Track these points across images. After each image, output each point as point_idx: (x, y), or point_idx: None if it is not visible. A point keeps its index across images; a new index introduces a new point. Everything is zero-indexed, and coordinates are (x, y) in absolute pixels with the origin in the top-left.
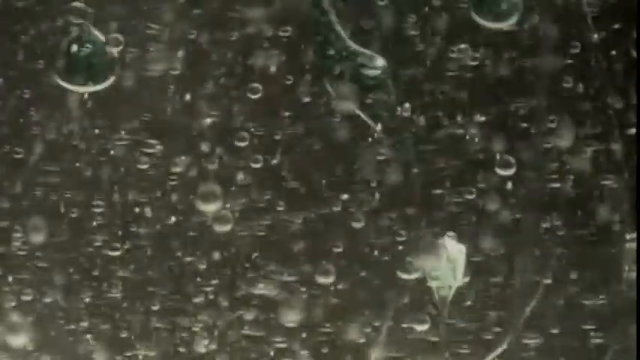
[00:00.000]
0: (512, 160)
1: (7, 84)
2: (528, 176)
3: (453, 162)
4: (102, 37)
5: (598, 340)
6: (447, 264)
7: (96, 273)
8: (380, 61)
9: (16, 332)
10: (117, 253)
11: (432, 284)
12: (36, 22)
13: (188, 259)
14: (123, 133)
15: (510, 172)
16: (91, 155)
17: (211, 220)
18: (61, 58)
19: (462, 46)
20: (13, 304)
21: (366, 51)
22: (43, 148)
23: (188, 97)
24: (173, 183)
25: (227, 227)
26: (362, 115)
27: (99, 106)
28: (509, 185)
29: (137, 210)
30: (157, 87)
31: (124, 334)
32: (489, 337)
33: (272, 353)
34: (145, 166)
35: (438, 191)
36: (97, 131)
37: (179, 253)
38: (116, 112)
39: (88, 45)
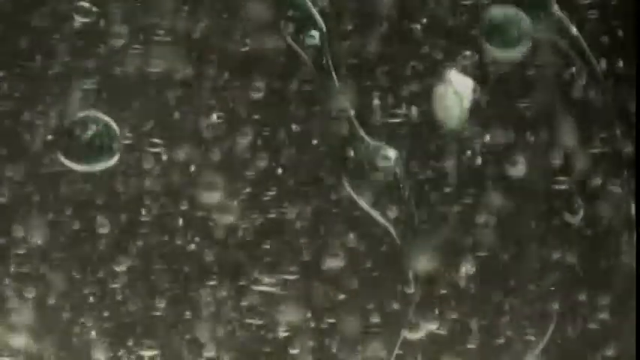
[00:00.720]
0: (522, 160)
1: (10, 81)
2: (532, 178)
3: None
4: (106, 118)
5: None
6: (454, 97)
7: (99, 266)
8: (392, 153)
9: (17, 325)
10: (120, 246)
11: (439, 116)
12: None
13: (192, 249)
14: (127, 130)
15: (521, 172)
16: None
17: (215, 212)
18: (65, 139)
19: (467, 53)
20: (15, 297)
21: (380, 143)
22: (45, 140)
23: (192, 93)
24: (176, 175)
25: (230, 219)
26: (377, 217)
27: (103, 103)
28: (514, 186)
29: (141, 203)
30: (161, 84)
31: (127, 327)
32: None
33: (275, 344)
34: (148, 160)
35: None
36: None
37: (183, 245)
38: (120, 107)
39: (92, 126)
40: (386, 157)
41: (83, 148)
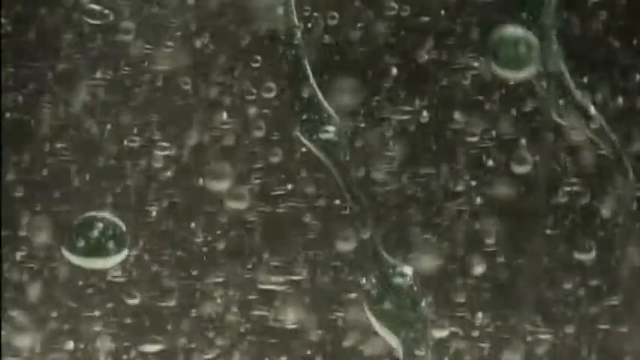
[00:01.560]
0: (528, 157)
1: (17, 80)
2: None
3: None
4: (113, 217)
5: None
6: None
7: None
8: (408, 270)
9: (21, 318)
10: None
11: None
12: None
13: (199, 239)
14: (135, 129)
15: (526, 169)
16: (103, 143)
17: (224, 206)
18: (73, 238)
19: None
20: (17, 289)
21: (396, 262)
22: (52, 134)
23: (201, 91)
24: (184, 168)
25: (240, 211)
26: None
27: (111, 100)
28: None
29: (150, 196)
30: (168, 82)
31: (132, 320)
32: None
33: (283, 336)
34: (157, 154)
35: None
36: (109, 127)
37: (191, 237)
38: (129, 105)
39: (99, 224)
40: (402, 275)
41: (90, 247)
